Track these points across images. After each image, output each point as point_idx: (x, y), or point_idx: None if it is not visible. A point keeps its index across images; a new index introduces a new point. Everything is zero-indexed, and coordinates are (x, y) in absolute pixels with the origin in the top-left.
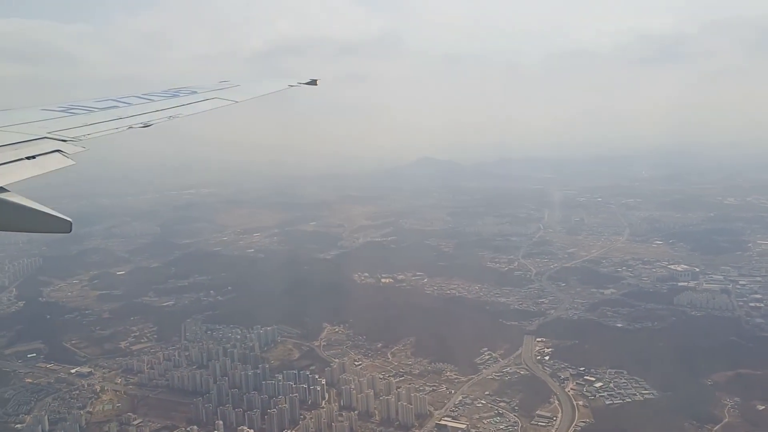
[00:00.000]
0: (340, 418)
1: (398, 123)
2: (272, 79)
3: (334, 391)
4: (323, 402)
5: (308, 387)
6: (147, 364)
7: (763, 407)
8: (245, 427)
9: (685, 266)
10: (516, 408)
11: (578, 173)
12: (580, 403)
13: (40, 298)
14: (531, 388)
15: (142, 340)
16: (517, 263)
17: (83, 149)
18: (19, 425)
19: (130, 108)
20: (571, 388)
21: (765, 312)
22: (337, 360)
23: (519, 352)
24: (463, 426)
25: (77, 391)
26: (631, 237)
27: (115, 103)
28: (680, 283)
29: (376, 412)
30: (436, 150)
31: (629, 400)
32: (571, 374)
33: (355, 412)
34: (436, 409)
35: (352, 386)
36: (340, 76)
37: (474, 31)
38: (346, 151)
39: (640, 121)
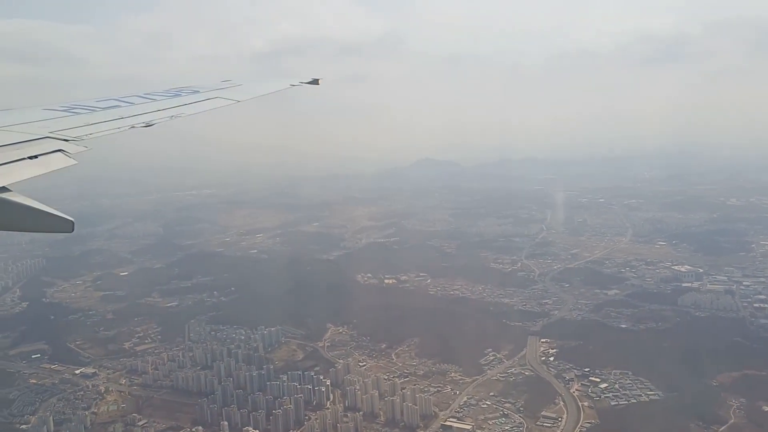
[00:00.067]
0: (345, 419)
1: (399, 123)
2: (274, 78)
3: (339, 391)
4: (328, 403)
5: (313, 388)
6: (151, 365)
7: None
8: (250, 428)
9: (689, 267)
10: (521, 409)
11: (580, 174)
12: (586, 403)
13: (44, 299)
14: (536, 389)
15: (146, 341)
16: (520, 264)
17: (85, 149)
18: (24, 426)
19: (132, 108)
20: (576, 389)
21: None
22: (341, 361)
23: (523, 352)
24: (469, 427)
25: (82, 392)
26: (633, 238)
27: (117, 103)
28: (684, 284)
29: (381, 413)
30: (436, 150)
31: (635, 401)
32: (575, 375)
33: (360, 413)
34: (441, 410)
35: (357, 387)
36: (342, 76)
37: (474, 31)
38: (346, 151)
39: (642, 122)
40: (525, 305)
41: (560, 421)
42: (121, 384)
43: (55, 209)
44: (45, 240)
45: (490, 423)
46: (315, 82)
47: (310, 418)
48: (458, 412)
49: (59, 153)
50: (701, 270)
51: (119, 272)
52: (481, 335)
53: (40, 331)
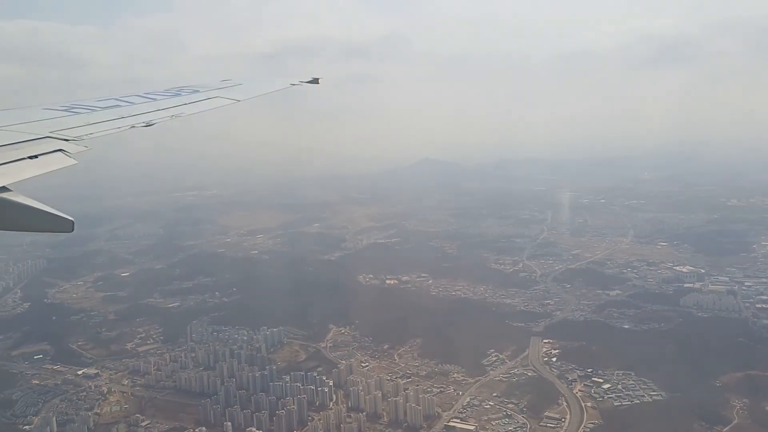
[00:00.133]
0: (348, 420)
1: (399, 124)
2: (274, 78)
3: (342, 392)
4: (331, 403)
5: (316, 388)
6: (154, 366)
7: None
8: (254, 429)
9: (691, 267)
10: (524, 409)
11: (581, 174)
12: (589, 404)
13: (46, 300)
14: (539, 390)
15: (149, 342)
16: (521, 264)
17: (85, 149)
18: (27, 427)
19: (132, 107)
20: (579, 390)
21: None
22: (344, 361)
23: (526, 353)
24: (472, 427)
25: (84, 393)
26: (635, 238)
27: (117, 102)
28: (686, 285)
29: (385, 414)
30: (437, 151)
31: (638, 401)
32: (578, 376)
33: (364, 413)
34: (445, 411)
35: (360, 387)
36: (345, 76)
37: (477, 32)
38: (346, 152)
39: (643, 122)
40: (527, 306)
41: (563, 421)
42: (123, 385)
43: (55, 209)
44: (46, 241)
45: (494, 423)
46: (315, 81)
47: (313, 419)
48: (461, 412)
49: (59, 153)
50: (703, 271)
51: (120, 273)
52: (484, 336)
53: (42, 332)
